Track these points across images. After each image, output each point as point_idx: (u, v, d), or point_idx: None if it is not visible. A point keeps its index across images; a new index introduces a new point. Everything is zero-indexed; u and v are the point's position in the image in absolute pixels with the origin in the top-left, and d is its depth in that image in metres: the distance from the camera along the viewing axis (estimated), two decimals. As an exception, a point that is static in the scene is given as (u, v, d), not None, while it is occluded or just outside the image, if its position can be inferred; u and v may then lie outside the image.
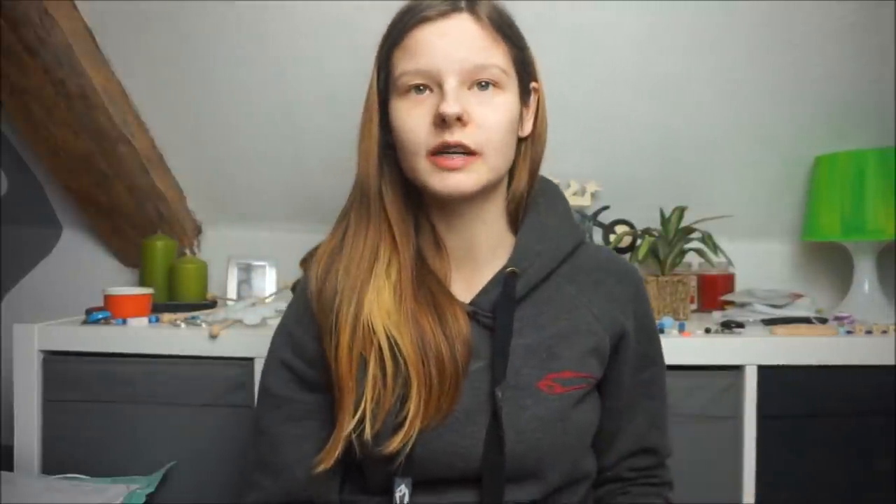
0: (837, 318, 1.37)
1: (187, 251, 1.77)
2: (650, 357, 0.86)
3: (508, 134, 0.76)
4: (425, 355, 0.73)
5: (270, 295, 1.60)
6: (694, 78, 1.42)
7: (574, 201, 1.59)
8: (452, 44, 0.72)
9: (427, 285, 0.78)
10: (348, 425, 0.73)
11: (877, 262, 1.48)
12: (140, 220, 1.67)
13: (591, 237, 1.60)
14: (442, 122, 0.71)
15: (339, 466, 0.78)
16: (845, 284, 1.55)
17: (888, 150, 1.40)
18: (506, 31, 0.76)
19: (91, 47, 1.42)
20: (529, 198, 0.83)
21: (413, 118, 0.73)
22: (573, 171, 1.58)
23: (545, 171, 1.66)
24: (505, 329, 0.75)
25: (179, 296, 1.55)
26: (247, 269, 1.67)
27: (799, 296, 1.49)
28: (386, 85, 0.77)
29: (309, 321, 0.80)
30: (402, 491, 0.73)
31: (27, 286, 1.84)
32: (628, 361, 0.83)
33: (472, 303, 0.78)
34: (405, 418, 0.71)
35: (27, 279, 1.84)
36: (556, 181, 1.58)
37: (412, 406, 0.71)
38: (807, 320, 1.32)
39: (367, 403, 0.72)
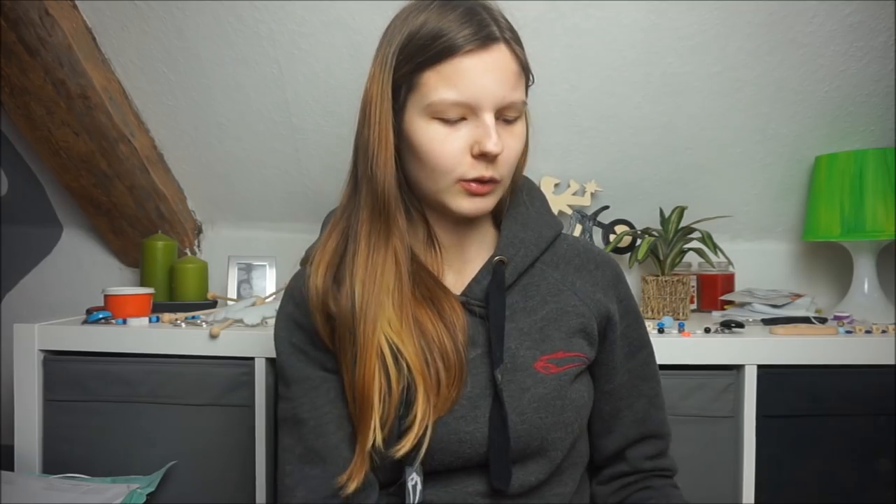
0: (837, 318, 1.37)
1: (187, 251, 1.77)
2: (641, 339, 0.89)
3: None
4: (430, 353, 0.75)
5: (270, 295, 1.59)
6: (694, 78, 1.42)
7: (574, 201, 1.59)
8: (494, 79, 0.73)
9: (423, 281, 0.80)
10: (368, 442, 0.73)
11: (877, 261, 1.48)
12: (140, 220, 1.68)
13: (591, 237, 1.60)
14: (482, 156, 0.73)
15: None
16: (845, 284, 1.55)
17: (888, 150, 1.40)
18: (523, 57, 0.77)
19: (91, 47, 1.42)
20: (511, 195, 0.87)
21: (447, 145, 0.74)
22: (573, 171, 1.58)
23: (546, 170, 1.67)
24: (499, 313, 0.79)
25: (179, 296, 1.56)
26: (247, 269, 1.67)
27: (799, 296, 1.49)
28: (405, 99, 0.76)
29: (309, 314, 0.80)
30: (414, 479, 0.75)
31: (27, 286, 1.84)
32: (618, 344, 0.86)
33: (463, 293, 0.81)
34: (413, 421, 0.73)
35: (27, 279, 1.84)
36: (556, 181, 1.60)
37: (419, 410, 0.73)
38: (806, 320, 1.32)
39: (376, 416, 0.74)
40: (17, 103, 1.44)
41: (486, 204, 0.77)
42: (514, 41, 0.76)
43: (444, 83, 0.73)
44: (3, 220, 1.83)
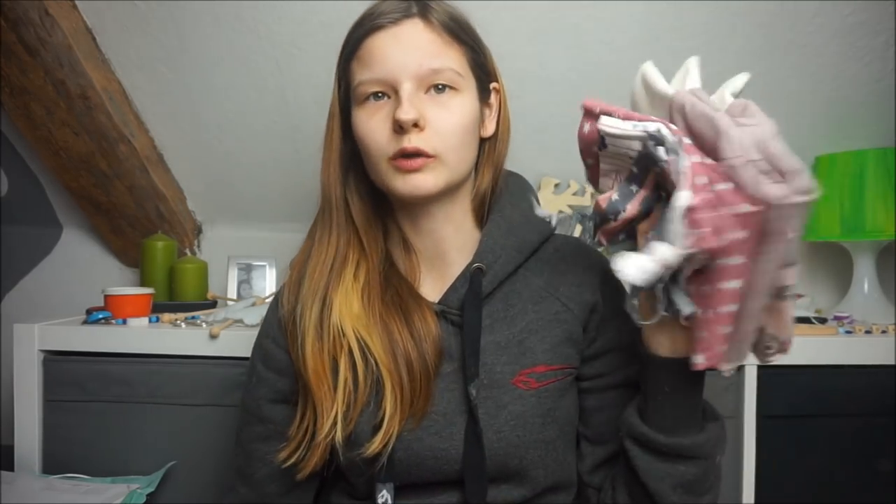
0: (837, 318, 1.37)
1: (187, 251, 1.77)
2: (636, 346, 0.81)
3: (467, 135, 0.77)
4: (395, 356, 0.74)
5: (270, 295, 1.59)
6: (694, 78, 1.42)
7: (574, 201, 1.59)
8: (405, 49, 0.73)
9: (395, 287, 0.79)
10: (323, 430, 0.73)
11: (877, 262, 1.48)
12: (140, 220, 1.68)
13: (591, 237, 1.59)
14: (399, 128, 0.72)
15: (315, 476, 0.80)
16: (845, 284, 1.55)
17: (888, 150, 1.40)
18: (459, 34, 0.77)
19: (91, 47, 1.42)
20: (494, 195, 0.83)
21: (373, 125, 0.75)
22: (573, 172, 1.58)
23: (546, 170, 1.67)
24: (473, 326, 0.75)
25: (179, 296, 1.56)
26: (247, 269, 1.67)
27: (799, 296, 1.49)
28: (346, 95, 0.79)
29: (276, 332, 0.83)
30: (385, 496, 0.74)
31: (27, 286, 1.84)
32: (603, 342, 0.81)
33: (440, 301, 0.79)
34: (382, 419, 0.72)
35: (27, 279, 1.84)
36: (556, 181, 1.59)
37: (388, 406, 0.72)
38: (806, 320, 1.32)
39: (339, 406, 0.73)
40: (17, 103, 1.44)
41: (422, 181, 0.74)
42: (438, 21, 0.75)
43: (362, 65, 0.75)
44: (3, 220, 1.82)
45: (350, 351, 0.75)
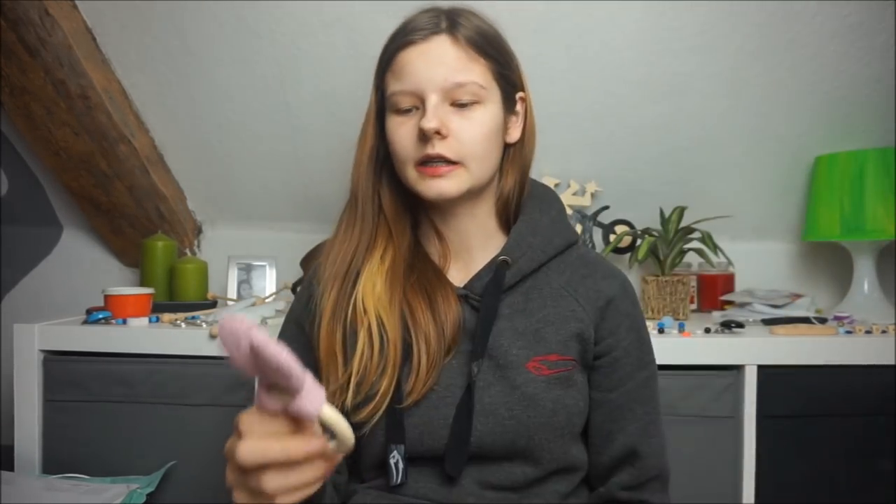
0: (837, 318, 1.37)
1: (187, 251, 1.77)
2: (641, 360, 0.86)
3: (489, 143, 0.82)
4: (416, 337, 0.80)
5: (270, 295, 1.59)
6: (695, 78, 1.42)
7: (574, 201, 1.59)
8: (431, 64, 0.79)
9: (421, 270, 0.85)
10: (334, 398, 0.79)
11: (876, 262, 1.48)
12: (140, 220, 1.68)
13: (591, 237, 1.60)
14: (423, 136, 0.78)
15: None
16: (845, 284, 1.55)
17: (888, 150, 1.40)
18: (485, 48, 0.82)
19: (91, 47, 1.42)
20: (522, 199, 0.90)
21: (402, 133, 0.81)
22: (573, 171, 1.58)
23: (546, 170, 1.67)
24: (489, 310, 0.81)
25: (179, 296, 1.56)
26: (247, 269, 1.67)
27: (798, 296, 1.49)
28: (382, 102, 0.85)
29: (301, 312, 0.88)
30: (396, 457, 0.78)
31: (27, 286, 1.84)
32: (614, 354, 0.84)
33: (465, 286, 0.85)
34: (376, 393, 0.78)
35: (27, 279, 1.84)
36: (556, 181, 1.60)
37: (384, 383, 0.78)
38: (806, 320, 1.33)
39: (353, 377, 0.79)
40: (17, 103, 1.44)
41: (446, 186, 0.80)
42: (465, 37, 0.80)
43: (395, 78, 0.81)
44: (3, 220, 1.83)
45: (369, 328, 0.80)
